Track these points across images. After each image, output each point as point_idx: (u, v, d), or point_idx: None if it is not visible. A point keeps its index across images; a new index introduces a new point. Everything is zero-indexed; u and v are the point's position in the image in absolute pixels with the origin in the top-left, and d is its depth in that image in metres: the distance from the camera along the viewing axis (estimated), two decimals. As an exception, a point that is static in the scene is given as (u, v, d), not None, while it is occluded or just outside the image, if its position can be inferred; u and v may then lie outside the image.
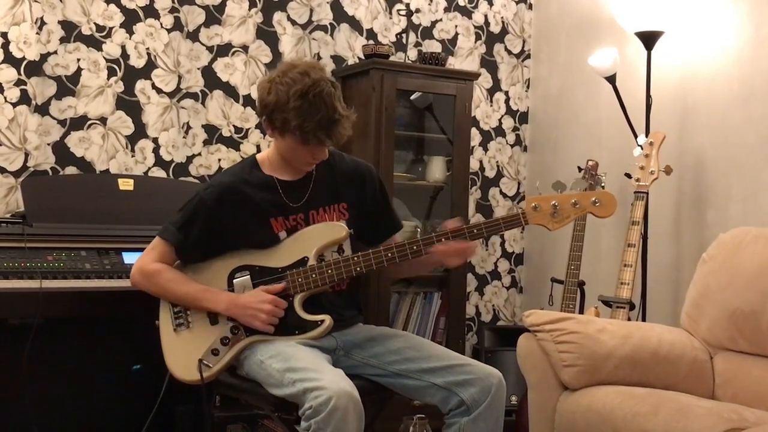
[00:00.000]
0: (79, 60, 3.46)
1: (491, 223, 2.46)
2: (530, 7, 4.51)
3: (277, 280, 2.47)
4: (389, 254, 2.45)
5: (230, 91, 3.77)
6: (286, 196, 2.52)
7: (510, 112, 4.47)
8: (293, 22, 3.90)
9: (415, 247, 2.45)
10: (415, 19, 4.18)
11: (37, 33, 3.38)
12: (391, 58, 3.86)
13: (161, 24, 3.62)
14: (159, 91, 3.62)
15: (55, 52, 3.42)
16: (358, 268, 2.45)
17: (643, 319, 3.44)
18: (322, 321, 2.44)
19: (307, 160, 2.50)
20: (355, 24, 4.05)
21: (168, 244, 2.51)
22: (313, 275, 2.45)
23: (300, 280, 2.46)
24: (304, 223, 2.52)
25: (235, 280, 2.50)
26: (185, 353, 2.45)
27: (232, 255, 2.53)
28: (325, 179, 2.58)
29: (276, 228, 2.51)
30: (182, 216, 2.51)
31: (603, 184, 3.58)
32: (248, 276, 2.49)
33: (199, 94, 3.71)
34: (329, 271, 2.45)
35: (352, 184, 2.61)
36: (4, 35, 3.32)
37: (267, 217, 2.50)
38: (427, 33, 4.24)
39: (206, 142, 3.73)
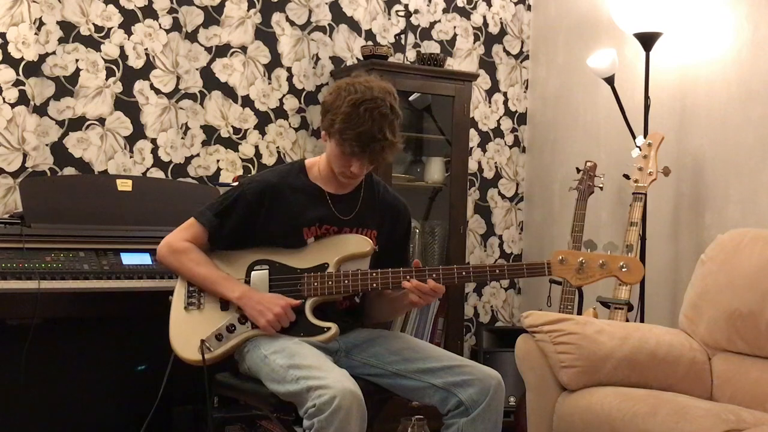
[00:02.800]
0: (77, 60, 3.46)
1: (514, 268, 2.47)
2: (529, 8, 4.51)
3: (294, 279, 2.47)
4: (407, 276, 2.44)
5: (229, 91, 3.77)
6: (335, 208, 2.53)
7: (508, 113, 4.48)
8: (292, 23, 3.90)
9: (434, 275, 2.42)
10: (413, 20, 4.18)
11: (35, 33, 3.38)
12: (390, 59, 3.86)
13: (160, 24, 3.62)
14: (157, 91, 3.62)
15: (54, 53, 3.42)
16: (375, 284, 2.45)
17: (642, 320, 3.44)
18: (329, 328, 2.44)
19: (344, 170, 2.49)
20: (353, 25, 4.05)
21: (203, 227, 2.52)
22: (329, 282, 2.45)
23: (315, 284, 2.46)
24: (334, 235, 2.54)
25: (253, 272, 2.51)
26: (190, 332, 2.45)
27: (256, 248, 2.54)
28: (369, 203, 2.59)
29: (306, 235, 2.52)
30: (222, 203, 2.52)
31: (602, 185, 3.59)
32: (267, 270, 2.50)
33: (198, 94, 3.71)
34: (345, 282, 2.45)
35: (387, 216, 2.62)
36: (3, 36, 3.32)
37: (300, 226, 2.51)
38: (425, 34, 4.24)
39: (205, 143, 3.73)
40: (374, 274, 2.45)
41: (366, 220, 2.57)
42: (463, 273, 2.45)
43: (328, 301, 2.49)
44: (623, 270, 2.42)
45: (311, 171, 2.58)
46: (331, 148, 2.48)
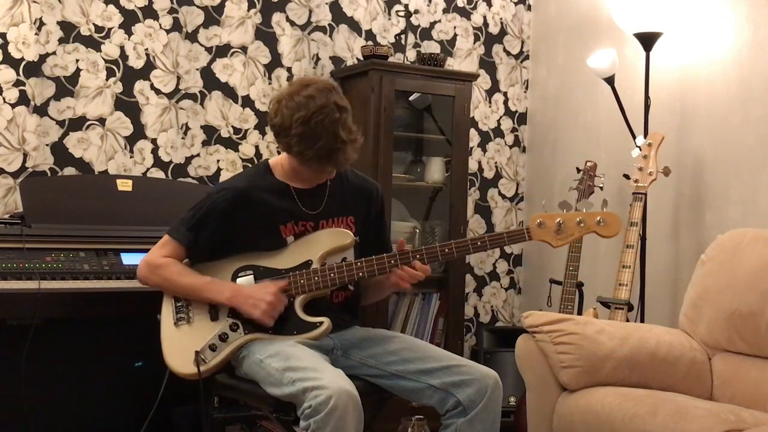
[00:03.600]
0: (77, 61, 3.46)
1: (495, 237, 2.47)
2: (529, 8, 4.51)
3: (280, 280, 2.48)
4: (392, 261, 2.46)
5: (229, 91, 3.77)
6: (301, 203, 2.54)
7: (509, 113, 4.48)
8: (292, 23, 3.90)
9: (418, 256, 2.46)
10: (413, 20, 4.18)
11: (35, 34, 3.38)
12: (390, 59, 3.86)
13: (160, 25, 3.62)
14: (158, 91, 3.62)
15: (54, 53, 3.42)
16: (360, 273, 2.46)
17: (642, 320, 3.44)
18: (321, 323, 2.45)
19: (313, 177, 2.52)
20: (354, 25, 4.05)
21: (178, 243, 2.53)
22: (316, 278, 2.46)
23: (302, 281, 2.47)
24: (312, 231, 2.54)
25: (238, 279, 2.51)
26: (183, 347, 2.46)
27: (237, 255, 2.54)
28: (337, 191, 2.60)
29: (284, 233, 2.52)
30: (193, 216, 2.52)
31: (602, 185, 3.59)
32: (252, 275, 2.51)
33: (198, 95, 3.71)
34: (332, 275, 2.46)
35: (360, 199, 2.64)
36: (3, 36, 3.32)
37: (277, 224, 2.52)
38: (425, 34, 4.24)
39: (205, 143, 3.73)
40: (359, 264, 2.46)
41: (337, 209, 2.58)
42: (446, 250, 2.47)
43: (319, 297, 2.50)
44: (600, 225, 2.45)
45: (276, 169, 2.58)
46: (295, 164, 2.49)
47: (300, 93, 2.41)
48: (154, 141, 3.62)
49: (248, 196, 2.51)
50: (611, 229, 2.46)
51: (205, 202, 2.53)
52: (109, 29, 3.52)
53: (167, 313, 2.53)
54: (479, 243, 2.46)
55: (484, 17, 4.40)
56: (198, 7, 3.70)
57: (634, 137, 3.51)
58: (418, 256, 2.46)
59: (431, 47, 4.23)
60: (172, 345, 2.49)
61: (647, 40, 3.48)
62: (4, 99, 3.33)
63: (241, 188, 2.52)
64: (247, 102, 3.80)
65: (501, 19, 4.44)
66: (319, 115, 2.37)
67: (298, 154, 2.42)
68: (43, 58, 3.40)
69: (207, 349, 2.45)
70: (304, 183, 2.56)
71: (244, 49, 3.80)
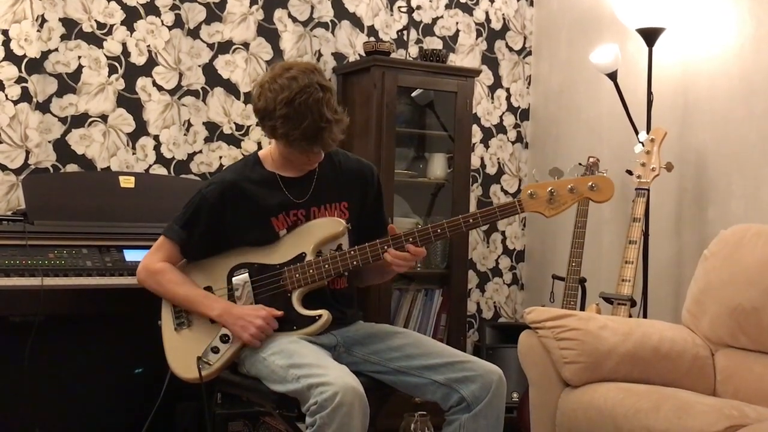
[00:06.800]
0: (80, 57, 3.46)
1: (487, 212, 2.44)
2: (531, 3, 4.50)
3: (275, 275, 2.48)
4: (385, 246, 2.44)
5: (231, 88, 3.77)
6: (289, 192, 2.52)
7: (511, 108, 4.47)
8: (294, 19, 3.90)
9: (411, 239, 2.44)
10: (416, 15, 4.18)
11: (38, 30, 3.38)
12: (392, 55, 3.86)
13: (162, 21, 3.62)
14: (160, 88, 3.62)
15: (56, 50, 3.42)
16: (355, 262, 2.45)
17: (645, 316, 3.44)
18: (320, 316, 2.44)
19: (302, 161, 2.51)
20: (356, 21, 4.04)
21: (173, 242, 2.53)
22: (311, 270, 2.46)
23: (297, 275, 2.46)
24: (304, 220, 2.52)
25: (233, 278, 2.51)
26: (186, 352, 2.46)
27: (232, 252, 2.54)
28: (328, 177, 2.57)
29: (277, 226, 2.52)
30: (185, 214, 2.52)
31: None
32: (247, 273, 2.50)
33: (200, 91, 3.71)
34: (326, 266, 2.45)
35: (354, 183, 2.61)
36: (5, 33, 3.32)
37: (268, 216, 2.51)
38: (428, 30, 4.24)
39: (207, 140, 3.73)
40: (353, 252, 2.45)
41: (328, 195, 2.55)
42: (438, 230, 2.44)
43: (315, 289, 2.49)
44: (593, 190, 2.39)
45: (266, 161, 2.57)
46: (282, 148, 2.48)
47: (282, 75, 2.39)
48: (156, 138, 3.62)
49: (237, 188, 2.50)
50: (604, 193, 2.40)
51: (195, 198, 2.52)
52: (111, 26, 3.52)
53: (167, 318, 2.54)
54: (471, 220, 2.43)
55: (487, 13, 4.39)
56: (200, 3, 3.70)
57: (636, 133, 3.51)
58: (411, 239, 2.44)
59: (433, 43, 4.23)
60: (175, 350, 2.50)
61: (650, 36, 3.47)
62: (6, 96, 3.34)
63: (229, 181, 2.52)
64: (249, 98, 3.79)
65: (503, 14, 4.43)
66: (302, 95, 2.35)
67: (283, 136, 2.40)
68: (45, 54, 3.40)
69: (209, 351, 2.45)
70: (294, 170, 2.54)
71: (246, 45, 3.80)
